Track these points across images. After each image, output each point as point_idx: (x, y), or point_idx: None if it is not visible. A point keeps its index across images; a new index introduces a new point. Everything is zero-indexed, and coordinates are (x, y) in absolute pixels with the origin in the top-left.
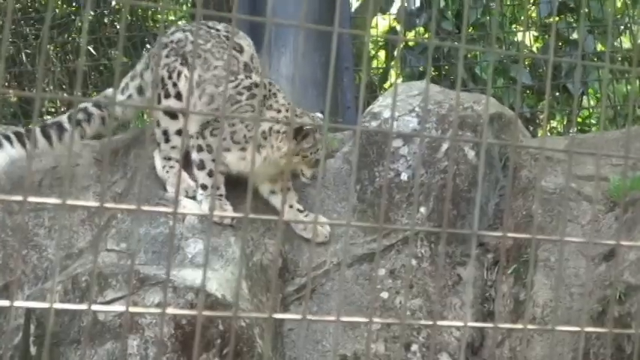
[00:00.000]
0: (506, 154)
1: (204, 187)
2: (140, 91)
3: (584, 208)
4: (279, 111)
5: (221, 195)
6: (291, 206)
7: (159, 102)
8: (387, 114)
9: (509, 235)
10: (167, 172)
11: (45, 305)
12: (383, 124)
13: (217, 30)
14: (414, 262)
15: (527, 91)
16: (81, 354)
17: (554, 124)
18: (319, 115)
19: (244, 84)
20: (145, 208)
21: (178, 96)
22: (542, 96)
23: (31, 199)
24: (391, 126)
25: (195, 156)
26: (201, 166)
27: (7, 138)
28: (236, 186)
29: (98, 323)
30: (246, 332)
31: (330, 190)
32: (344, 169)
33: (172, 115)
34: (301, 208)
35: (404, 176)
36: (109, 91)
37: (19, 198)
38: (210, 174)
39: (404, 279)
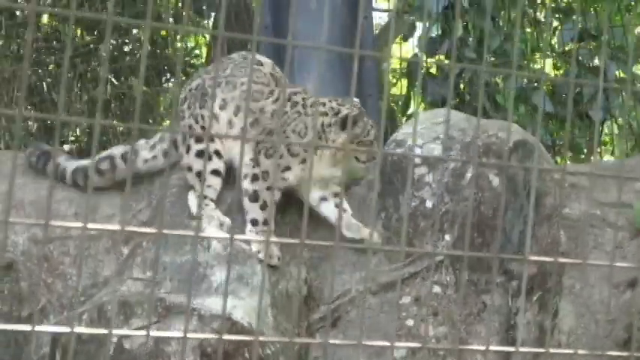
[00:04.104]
0: (530, 181)
1: (254, 222)
2: (165, 154)
3: (608, 235)
4: (324, 104)
5: (271, 232)
6: (345, 210)
7: (188, 151)
8: (411, 141)
9: (532, 258)
10: (202, 210)
11: (66, 330)
12: (407, 151)
13: (231, 58)
14: (439, 289)
15: (550, 120)
16: None
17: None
18: (356, 99)
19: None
20: (166, 231)
21: (210, 139)
22: (564, 123)
23: (53, 223)
24: (413, 150)
25: (247, 186)
26: (254, 197)
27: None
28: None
29: (124, 352)
30: None
31: (355, 218)
32: (368, 197)
33: (207, 156)
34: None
35: (428, 204)
36: (142, 142)
37: (41, 222)
38: (264, 207)
39: (430, 306)
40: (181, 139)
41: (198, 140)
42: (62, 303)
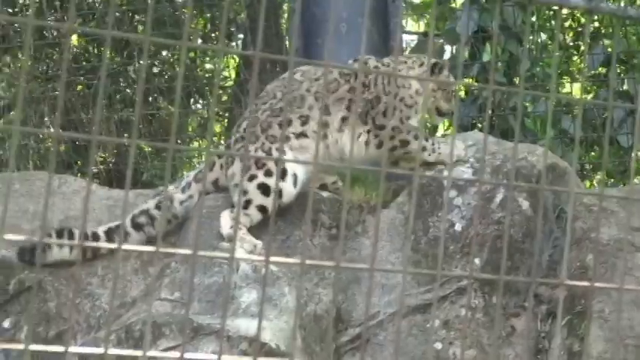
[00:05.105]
0: (559, 205)
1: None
2: (200, 195)
3: (638, 260)
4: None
5: None
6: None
7: (251, 179)
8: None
9: (567, 282)
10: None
11: (99, 351)
12: (437, 173)
13: (267, 90)
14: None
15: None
16: None
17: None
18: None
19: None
20: (201, 253)
21: (284, 173)
22: (591, 148)
23: (88, 243)
24: (449, 173)
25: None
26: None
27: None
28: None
29: None
30: None
31: (384, 240)
32: (398, 220)
33: (265, 191)
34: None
35: (458, 227)
36: (171, 188)
37: (75, 242)
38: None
39: (458, 330)
40: (241, 170)
41: (268, 174)
42: (90, 323)
